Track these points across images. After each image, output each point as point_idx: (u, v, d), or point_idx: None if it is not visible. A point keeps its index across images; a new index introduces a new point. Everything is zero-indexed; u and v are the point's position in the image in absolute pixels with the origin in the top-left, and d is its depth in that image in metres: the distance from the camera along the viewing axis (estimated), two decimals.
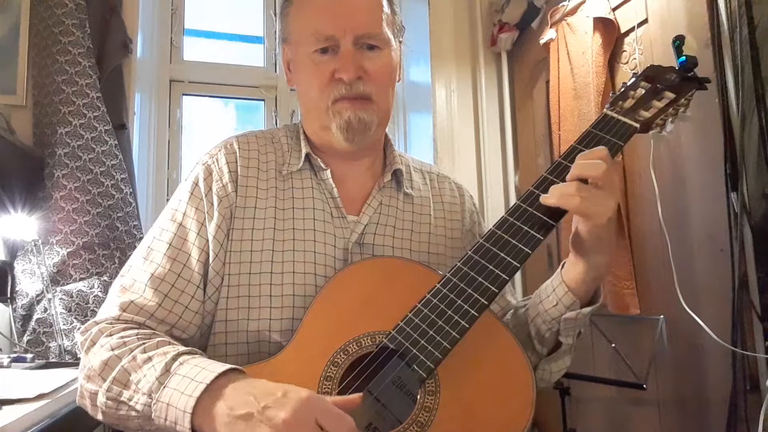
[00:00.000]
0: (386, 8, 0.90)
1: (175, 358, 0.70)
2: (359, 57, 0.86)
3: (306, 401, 0.63)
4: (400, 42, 0.95)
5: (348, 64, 0.84)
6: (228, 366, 0.68)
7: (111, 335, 0.75)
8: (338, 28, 0.85)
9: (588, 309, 0.81)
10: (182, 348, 0.74)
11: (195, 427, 0.65)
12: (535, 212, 0.77)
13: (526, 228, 0.76)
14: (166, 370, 0.69)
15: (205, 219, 0.84)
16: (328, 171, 0.91)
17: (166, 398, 0.67)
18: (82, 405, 0.76)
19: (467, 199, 1.04)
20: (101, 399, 0.72)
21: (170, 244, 0.83)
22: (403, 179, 0.96)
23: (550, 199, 0.75)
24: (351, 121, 0.86)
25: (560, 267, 0.84)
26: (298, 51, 0.90)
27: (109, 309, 0.80)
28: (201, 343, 0.84)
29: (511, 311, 0.95)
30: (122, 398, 0.70)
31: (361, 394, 0.68)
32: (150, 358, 0.71)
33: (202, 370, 0.68)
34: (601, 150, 0.76)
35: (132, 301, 0.79)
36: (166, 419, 0.66)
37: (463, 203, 1.03)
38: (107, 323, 0.78)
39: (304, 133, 0.95)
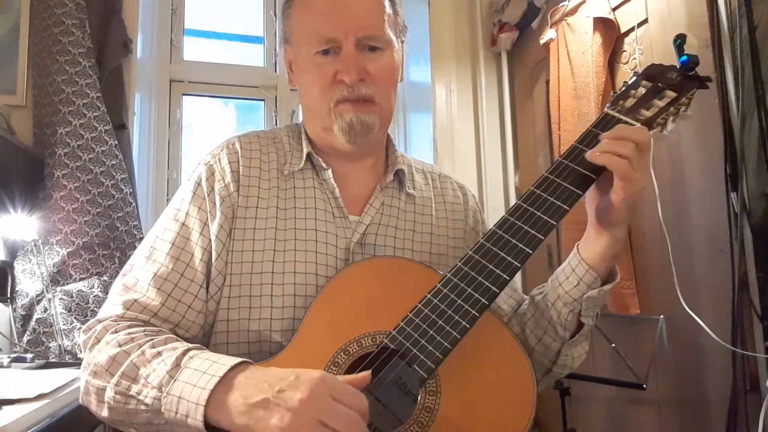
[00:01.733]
0: (388, 9, 0.90)
1: (185, 353, 0.71)
2: (361, 59, 0.85)
3: (320, 380, 0.63)
4: (402, 42, 0.94)
5: (350, 67, 0.84)
6: (239, 359, 0.69)
7: (117, 332, 0.76)
8: (340, 30, 0.85)
9: (608, 286, 0.82)
10: (190, 344, 0.74)
11: (208, 419, 0.65)
12: (535, 212, 0.77)
13: (526, 228, 0.76)
14: (177, 365, 0.69)
15: (207, 219, 0.84)
16: (330, 171, 0.91)
17: (177, 391, 0.67)
18: (86, 402, 0.76)
19: (470, 198, 1.04)
20: (109, 394, 0.72)
21: (173, 244, 0.83)
22: (406, 179, 0.96)
23: (600, 157, 0.75)
24: (353, 123, 0.86)
25: (575, 248, 0.84)
26: (300, 52, 0.90)
27: (112, 307, 0.80)
28: (204, 342, 0.84)
29: (527, 300, 0.94)
30: (131, 392, 0.70)
31: (369, 372, 0.69)
32: (159, 353, 0.71)
33: (214, 363, 0.68)
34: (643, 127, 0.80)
35: (135, 300, 0.80)
36: (177, 412, 0.66)
37: (466, 202, 1.03)
38: (112, 320, 0.78)
39: (306, 132, 0.95)
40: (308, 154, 0.92)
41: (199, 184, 0.87)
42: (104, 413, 0.74)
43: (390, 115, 0.93)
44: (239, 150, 0.90)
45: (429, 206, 0.98)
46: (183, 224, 0.85)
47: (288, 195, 0.89)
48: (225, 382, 0.66)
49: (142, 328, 0.76)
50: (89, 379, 0.75)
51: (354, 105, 0.86)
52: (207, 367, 0.68)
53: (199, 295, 0.82)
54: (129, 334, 0.75)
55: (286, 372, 0.65)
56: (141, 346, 0.72)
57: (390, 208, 0.94)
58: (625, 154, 0.74)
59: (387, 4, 0.90)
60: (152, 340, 0.73)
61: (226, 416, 0.64)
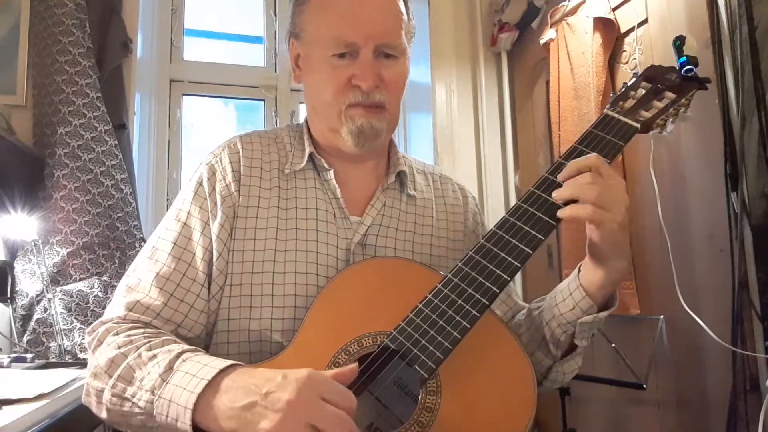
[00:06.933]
0: (405, 16, 0.89)
1: (178, 356, 0.71)
2: (377, 65, 0.85)
3: (307, 379, 0.63)
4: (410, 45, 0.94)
5: (368, 73, 0.84)
6: (230, 362, 0.69)
7: (118, 334, 0.76)
8: (360, 35, 0.84)
9: (605, 313, 0.81)
10: (186, 346, 0.74)
11: (197, 423, 0.65)
12: (536, 212, 0.77)
13: (527, 228, 0.76)
14: (169, 367, 0.69)
15: (209, 218, 0.85)
16: (331, 171, 0.91)
17: (168, 395, 0.67)
18: (87, 403, 0.77)
19: (470, 200, 1.04)
20: (106, 396, 0.72)
21: (175, 244, 0.83)
22: (407, 181, 0.96)
23: (563, 212, 0.75)
24: (363, 128, 0.86)
25: (577, 270, 0.83)
26: (313, 51, 0.89)
27: (115, 309, 0.81)
28: (207, 342, 0.85)
29: (524, 312, 0.94)
30: (126, 395, 0.71)
31: (356, 364, 0.68)
32: (155, 356, 0.71)
33: (204, 366, 0.68)
34: (594, 157, 0.77)
35: (138, 301, 0.80)
36: (167, 416, 0.66)
37: (466, 204, 1.03)
38: (114, 323, 0.78)
39: (309, 132, 0.94)
40: (310, 155, 0.92)
41: (200, 183, 0.87)
42: (103, 414, 0.74)
43: (396, 120, 0.93)
44: (240, 150, 0.90)
45: (430, 207, 0.98)
46: (185, 224, 0.85)
47: (289, 195, 0.89)
48: (213, 385, 0.65)
49: (142, 330, 0.77)
50: (90, 381, 0.75)
51: (366, 110, 0.86)
52: (197, 370, 0.67)
53: (201, 295, 0.82)
54: (128, 336, 0.75)
55: (273, 373, 0.65)
56: (138, 349, 0.73)
57: (391, 209, 0.94)
58: (587, 195, 0.73)
59: (403, 10, 0.89)
60: (150, 342, 0.73)
61: (214, 420, 0.64)
